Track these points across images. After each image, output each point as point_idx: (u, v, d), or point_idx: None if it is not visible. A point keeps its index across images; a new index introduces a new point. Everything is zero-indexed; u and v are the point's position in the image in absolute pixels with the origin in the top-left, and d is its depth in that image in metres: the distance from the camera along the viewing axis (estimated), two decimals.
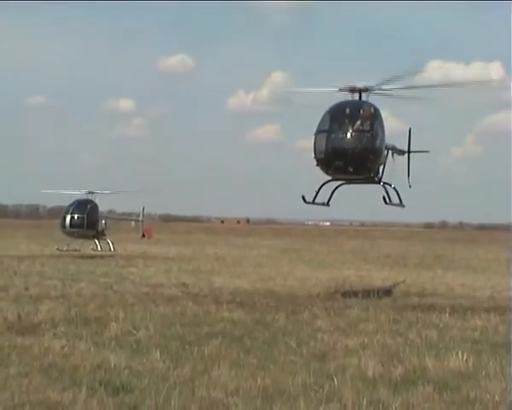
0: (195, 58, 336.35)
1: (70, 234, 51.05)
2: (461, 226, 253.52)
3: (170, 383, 12.93)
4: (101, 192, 53.05)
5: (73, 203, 51.33)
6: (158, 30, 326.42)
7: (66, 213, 50.83)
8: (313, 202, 27.16)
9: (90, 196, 52.48)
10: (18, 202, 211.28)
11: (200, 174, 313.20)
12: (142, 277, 34.97)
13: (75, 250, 51.53)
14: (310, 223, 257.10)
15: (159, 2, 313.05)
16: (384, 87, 26.67)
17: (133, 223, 65.45)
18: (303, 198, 27.01)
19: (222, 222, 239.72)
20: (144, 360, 14.75)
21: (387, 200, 27.31)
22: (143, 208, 62.85)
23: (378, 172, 27.18)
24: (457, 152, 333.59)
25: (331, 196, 27.52)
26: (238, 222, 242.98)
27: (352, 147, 25.31)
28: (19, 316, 20.22)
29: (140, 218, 62.76)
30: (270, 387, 12.85)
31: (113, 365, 14.31)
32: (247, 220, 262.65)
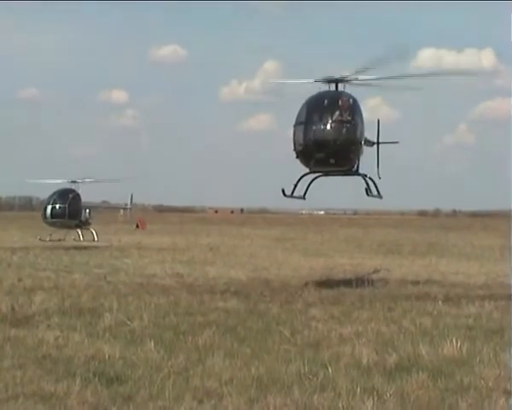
0: (188, 48, 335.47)
1: (52, 224, 50.56)
2: (454, 214, 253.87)
3: (164, 373, 12.93)
4: (83, 181, 52.12)
5: (55, 193, 50.64)
6: (150, 20, 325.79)
7: (48, 203, 50.29)
8: (291, 196, 26.63)
9: (73, 186, 51.71)
10: (11, 194, 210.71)
11: (193, 164, 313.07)
12: (136, 267, 34.95)
13: (59, 240, 51.15)
14: (304, 212, 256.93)
15: None
16: (360, 77, 26.10)
17: (121, 211, 64.99)
18: (283, 192, 26.44)
19: (216, 212, 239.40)
20: (138, 351, 14.74)
21: (369, 192, 27.03)
22: (131, 196, 62.36)
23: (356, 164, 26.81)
24: (450, 139, 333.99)
25: (307, 188, 26.92)
26: (232, 212, 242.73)
27: (333, 138, 24.98)
28: (12, 308, 20.16)
29: (128, 206, 62.25)
30: (264, 376, 12.85)
31: (107, 355, 14.29)
32: (241, 210, 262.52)
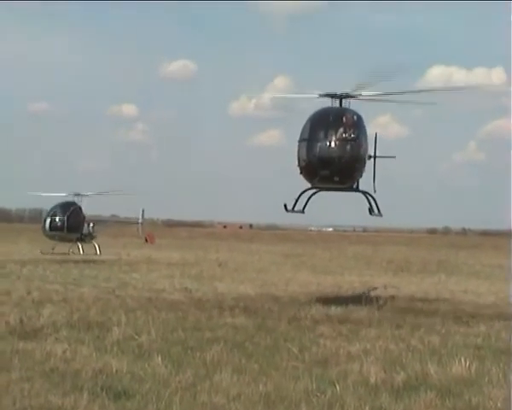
0: (198, 63, 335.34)
1: (51, 237, 50.32)
2: (464, 232, 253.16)
3: (172, 388, 12.91)
4: (87, 194, 51.90)
5: (55, 206, 50.46)
6: (160, 36, 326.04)
7: (47, 215, 50.11)
8: (293, 210, 26.48)
9: (75, 199, 51.44)
10: (21, 207, 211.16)
11: (202, 179, 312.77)
12: (144, 282, 34.93)
13: (64, 254, 50.84)
14: (312, 228, 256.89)
15: (161, 8, 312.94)
16: (364, 93, 26.04)
17: (135, 227, 64.68)
18: (285, 206, 26.34)
19: (224, 227, 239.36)
20: (146, 365, 14.73)
21: (372, 210, 26.93)
22: (143, 211, 62.19)
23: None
24: (460, 157, 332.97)
25: (306, 203, 26.72)
26: (240, 227, 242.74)
27: (338, 156, 24.80)
28: (21, 320, 20.19)
29: (140, 220, 62.02)
30: (271, 393, 12.83)
31: (114, 370, 14.29)
32: (250, 226, 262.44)
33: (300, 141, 25.43)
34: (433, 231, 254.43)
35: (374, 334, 19.81)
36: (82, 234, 51.19)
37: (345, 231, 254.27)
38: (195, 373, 14.18)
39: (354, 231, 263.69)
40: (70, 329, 19.29)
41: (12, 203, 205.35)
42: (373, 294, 30.93)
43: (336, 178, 25.04)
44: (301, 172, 25.50)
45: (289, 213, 26.58)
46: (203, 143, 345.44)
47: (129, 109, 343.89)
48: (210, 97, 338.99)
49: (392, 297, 30.07)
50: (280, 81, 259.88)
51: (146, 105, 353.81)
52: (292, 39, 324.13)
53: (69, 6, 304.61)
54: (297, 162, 25.48)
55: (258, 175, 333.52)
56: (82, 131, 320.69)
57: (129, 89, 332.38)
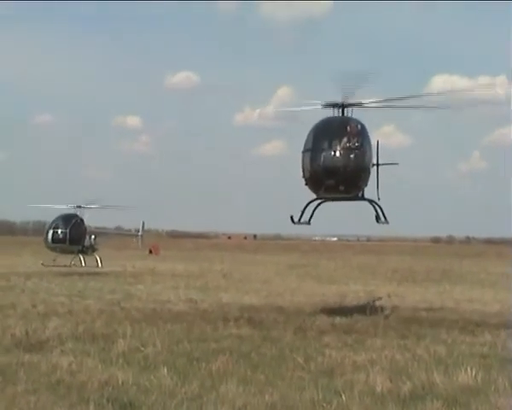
0: (201, 75, 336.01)
1: (53, 249, 50.30)
2: (468, 241, 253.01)
3: (177, 399, 12.92)
4: (89, 206, 51.92)
5: (57, 218, 50.45)
6: (164, 47, 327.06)
7: (49, 227, 50.06)
8: (299, 222, 26.40)
9: (77, 211, 51.50)
10: (25, 219, 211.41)
11: (206, 190, 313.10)
12: (149, 293, 34.94)
13: (65, 266, 50.82)
14: (317, 238, 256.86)
15: (164, 20, 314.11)
16: (365, 101, 26.02)
17: (134, 239, 64.78)
18: (291, 218, 26.29)
19: (229, 238, 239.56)
20: (152, 377, 14.73)
21: (378, 218, 26.85)
22: (143, 223, 62.35)
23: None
24: (463, 166, 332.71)
25: (312, 213, 26.65)
26: (245, 238, 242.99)
27: (343, 165, 24.66)
28: (26, 333, 20.20)
29: (139, 233, 62.13)
30: (278, 403, 12.83)
31: (120, 381, 14.29)
32: (254, 236, 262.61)
33: (304, 151, 25.35)
34: (437, 240, 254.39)
35: (379, 344, 19.79)
36: (84, 246, 51.28)
37: (348, 240, 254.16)
38: (201, 384, 14.18)
39: (358, 240, 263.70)
40: (75, 341, 19.29)
41: (16, 216, 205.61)
42: (378, 303, 30.90)
43: (341, 188, 24.91)
44: (306, 183, 25.42)
45: (295, 224, 26.54)
46: (207, 154, 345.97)
47: (133, 121, 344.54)
48: (213, 108, 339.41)
49: (397, 307, 30.02)
50: (283, 91, 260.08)
51: (150, 116, 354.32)
52: (295, 49, 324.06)
53: (73, 18, 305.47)
54: (301, 173, 25.40)
55: (262, 186, 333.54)
56: (86, 143, 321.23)
57: (132, 101, 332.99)
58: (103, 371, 15.36)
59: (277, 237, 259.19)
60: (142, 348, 18.07)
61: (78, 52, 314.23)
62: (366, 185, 26.49)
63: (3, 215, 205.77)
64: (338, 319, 24.90)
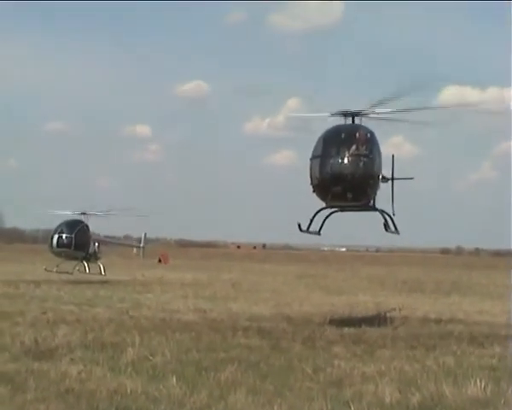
0: (211, 84, 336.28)
1: (57, 254, 50.10)
2: (477, 252, 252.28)
3: (186, 409, 12.94)
4: (94, 213, 51.96)
5: (62, 223, 50.40)
6: (173, 56, 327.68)
7: (54, 232, 49.92)
8: (307, 231, 26.30)
9: (82, 217, 51.50)
10: (35, 227, 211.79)
11: (216, 199, 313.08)
12: (158, 302, 34.95)
13: (67, 273, 50.64)
14: (326, 249, 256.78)
15: (174, 29, 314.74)
16: (377, 110, 25.87)
17: (135, 249, 64.78)
18: (299, 226, 26.20)
19: (238, 247, 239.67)
20: (161, 386, 14.73)
21: (387, 227, 26.61)
22: (145, 235, 62.42)
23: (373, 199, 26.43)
24: (473, 177, 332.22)
25: (322, 224, 26.56)
26: (254, 248, 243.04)
27: (351, 172, 24.50)
28: (36, 341, 20.25)
29: (141, 244, 62.14)
30: None
31: (129, 390, 14.31)
32: (264, 246, 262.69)
33: (312, 158, 25.19)
34: (446, 251, 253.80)
35: (388, 355, 19.76)
36: (88, 253, 51.25)
37: (358, 251, 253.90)
38: (210, 394, 14.18)
39: (367, 250, 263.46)
40: (85, 349, 19.31)
41: (26, 223, 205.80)
42: (387, 315, 30.83)
43: (349, 195, 24.69)
44: (314, 191, 25.24)
45: (303, 234, 26.50)
46: (216, 163, 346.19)
47: (142, 130, 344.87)
48: (223, 117, 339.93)
49: (406, 318, 29.95)
50: (293, 102, 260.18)
51: (160, 126, 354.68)
52: (305, 60, 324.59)
53: (82, 26, 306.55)
54: (309, 181, 25.28)
55: (271, 195, 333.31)
56: (96, 151, 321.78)
57: (143, 110, 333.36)
58: (112, 379, 15.39)
59: (286, 247, 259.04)
60: (151, 358, 18.08)
61: (88, 61, 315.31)
62: (375, 194, 26.31)
63: (13, 223, 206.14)
64: (347, 330, 24.86)
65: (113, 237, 59.23)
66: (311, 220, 26.24)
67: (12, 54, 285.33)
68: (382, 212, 26.70)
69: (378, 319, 28.14)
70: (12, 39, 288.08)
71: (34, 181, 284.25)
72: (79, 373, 15.99)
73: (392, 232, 27.01)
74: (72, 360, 17.73)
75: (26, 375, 15.72)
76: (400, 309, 33.82)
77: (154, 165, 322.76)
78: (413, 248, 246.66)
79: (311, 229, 26.42)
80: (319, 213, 26.33)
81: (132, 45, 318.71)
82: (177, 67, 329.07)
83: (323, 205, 26.01)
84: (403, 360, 18.69)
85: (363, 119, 26.20)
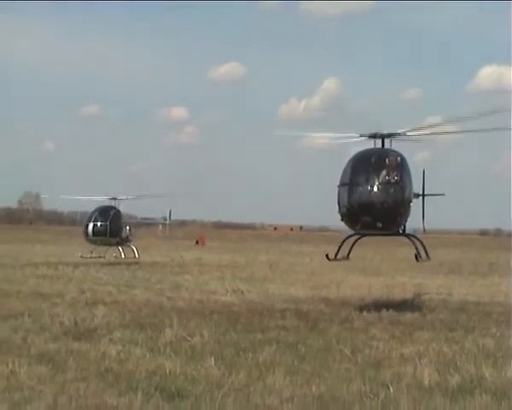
0: (247, 66, 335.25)
1: (93, 242, 50.47)
2: None
3: (225, 389, 12.97)
4: (124, 198, 52.43)
5: (96, 210, 50.71)
6: (209, 38, 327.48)
7: (89, 220, 50.24)
8: (335, 259, 26.14)
9: (113, 203, 51.89)
10: (73, 210, 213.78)
11: (252, 181, 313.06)
12: (196, 284, 35.09)
13: (99, 257, 50.85)
14: None
15: (209, 11, 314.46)
16: (409, 133, 25.01)
17: (160, 226, 64.71)
18: (326, 256, 26.42)
19: (275, 229, 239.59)
20: (199, 367, 14.82)
21: (419, 256, 25.87)
22: (170, 211, 62.21)
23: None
24: (510, 158, 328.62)
25: (351, 249, 26.46)
26: (291, 229, 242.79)
27: (380, 201, 23.59)
28: (75, 321, 20.48)
29: (167, 221, 62.03)
30: (325, 394, 12.82)
31: (168, 370, 14.40)
32: (300, 228, 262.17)
33: (340, 186, 24.26)
34: (484, 233, 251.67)
35: (427, 336, 19.66)
36: (121, 238, 51.71)
37: None
38: (248, 375, 14.23)
39: None
40: (123, 330, 19.46)
41: (64, 206, 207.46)
42: (425, 296, 30.68)
43: (379, 225, 23.85)
44: (342, 219, 24.42)
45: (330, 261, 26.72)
46: (252, 146, 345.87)
47: (179, 112, 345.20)
48: (259, 100, 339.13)
49: (444, 300, 29.80)
50: (330, 83, 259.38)
51: (195, 108, 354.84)
52: (342, 41, 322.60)
53: (121, 13, 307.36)
54: (337, 208, 24.40)
55: (308, 177, 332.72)
56: (133, 134, 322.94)
57: (179, 93, 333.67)
58: (151, 360, 15.51)
59: (323, 229, 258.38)
60: (189, 338, 18.18)
61: (123, 45, 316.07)
62: (406, 221, 25.56)
63: (53, 205, 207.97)
64: (385, 311, 24.78)
65: (131, 217, 58.87)
66: (339, 249, 26.04)
67: (53, 40, 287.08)
68: (413, 238, 26.10)
69: (416, 301, 28.02)
70: (52, 26, 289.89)
71: (69, 165, 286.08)
72: (118, 353, 16.14)
73: (423, 261, 26.42)
74: (111, 340, 17.89)
75: (65, 355, 15.91)
76: (437, 290, 33.64)
77: (191, 147, 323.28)
78: (451, 230, 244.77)
79: (338, 256, 26.26)
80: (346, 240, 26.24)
81: (168, 29, 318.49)
82: (212, 49, 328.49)
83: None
84: (441, 342, 18.60)
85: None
